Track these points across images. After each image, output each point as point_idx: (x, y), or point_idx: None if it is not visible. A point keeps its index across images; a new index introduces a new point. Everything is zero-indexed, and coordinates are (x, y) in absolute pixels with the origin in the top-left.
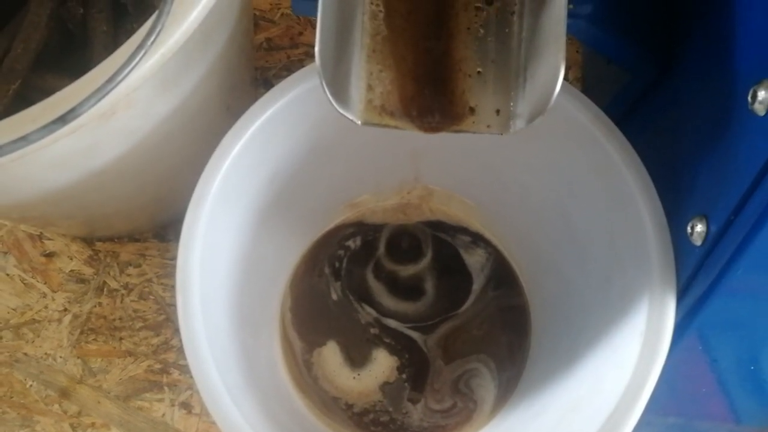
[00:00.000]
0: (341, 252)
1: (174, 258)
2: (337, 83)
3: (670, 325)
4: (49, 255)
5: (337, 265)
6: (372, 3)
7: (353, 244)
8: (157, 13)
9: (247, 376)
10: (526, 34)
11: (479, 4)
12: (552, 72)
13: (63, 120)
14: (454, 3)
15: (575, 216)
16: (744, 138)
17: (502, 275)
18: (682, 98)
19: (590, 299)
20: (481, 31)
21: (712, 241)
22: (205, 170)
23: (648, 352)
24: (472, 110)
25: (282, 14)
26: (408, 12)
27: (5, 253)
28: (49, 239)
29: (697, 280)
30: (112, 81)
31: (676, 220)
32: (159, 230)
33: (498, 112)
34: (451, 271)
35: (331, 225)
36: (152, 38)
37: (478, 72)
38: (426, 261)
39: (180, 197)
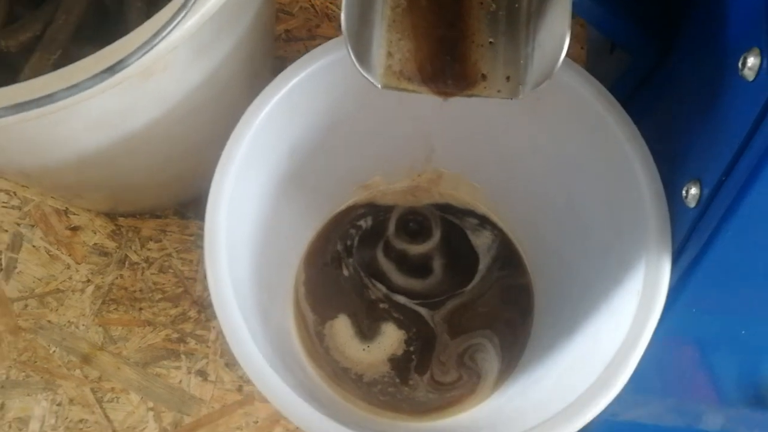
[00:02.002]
0: (353, 231)
1: (193, 234)
2: (360, 50)
3: (665, 281)
4: (74, 229)
5: (348, 242)
6: None
7: (365, 223)
8: None
9: (266, 333)
10: (535, 8)
11: None
12: (558, 41)
13: (112, 70)
14: None
15: (578, 191)
16: (734, 103)
17: (508, 256)
18: (680, 75)
19: (590, 270)
20: (493, 5)
21: (705, 203)
22: (235, 130)
23: (644, 308)
24: (483, 77)
25: (300, 7)
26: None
27: (32, 226)
28: (75, 214)
29: (691, 240)
30: (156, 36)
31: (671, 185)
32: (179, 208)
33: (508, 78)
34: (459, 252)
35: (344, 205)
36: (187, 4)
37: (490, 42)
38: (434, 241)
39: (201, 175)
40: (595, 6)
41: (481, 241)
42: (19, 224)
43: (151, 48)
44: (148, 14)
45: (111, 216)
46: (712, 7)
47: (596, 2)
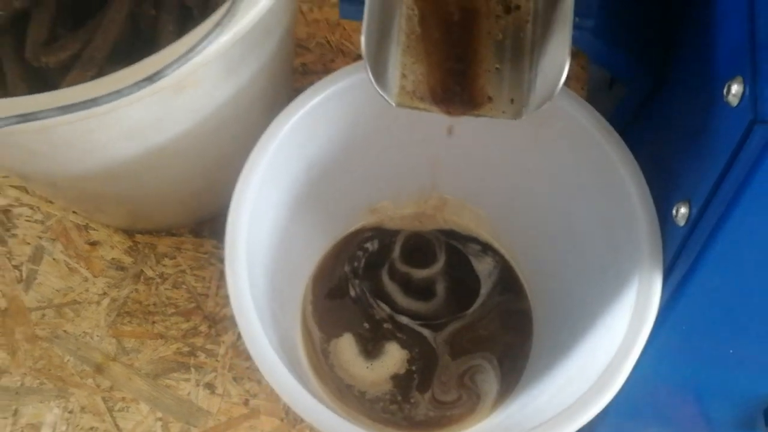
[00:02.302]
0: (360, 253)
1: (207, 252)
2: (378, 71)
3: (657, 294)
4: (93, 243)
5: (356, 264)
6: (408, 7)
7: (371, 246)
8: (228, 6)
9: (279, 342)
10: (538, 38)
11: (499, 14)
12: (558, 68)
13: (151, 79)
14: (477, 12)
15: (575, 214)
16: (719, 127)
17: (508, 282)
18: (672, 103)
19: (587, 290)
20: (500, 35)
21: (694, 221)
22: (258, 144)
23: (636, 320)
24: (490, 99)
25: (317, 43)
26: (438, 17)
27: (54, 240)
28: (94, 229)
29: (681, 257)
30: (192, 51)
31: (663, 205)
32: (195, 227)
33: (512, 101)
34: (462, 276)
35: (353, 228)
36: (227, 18)
37: (496, 68)
38: (439, 266)
39: (217, 194)
40: (594, 39)
41: (483, 267)
42: (41, 238)
43: (187, 61)
44: (178, 37)
45: (129, 233)
46: (700, 39)
47: (595, 35)
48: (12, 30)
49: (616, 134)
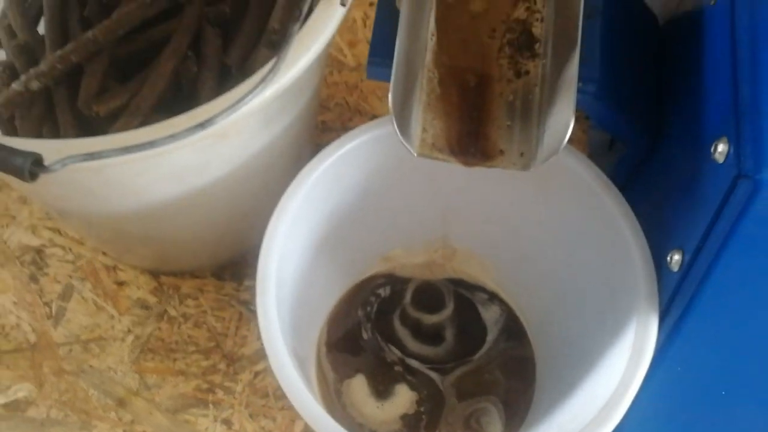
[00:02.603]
0: (373, 298)
1: (228, 294)
2: (402, 124)
3: (653, 334)
4: (120, 283)
5: (368, 309)
6: (429, 70)
7: (384, 292)
8: (276, 57)
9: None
10: (545, 99)
11: (510, 78)
12: (564, 125)
13: (203, 125)
14: (491, 76)
15: (577, 263)
16: (708, 182)
17: (513, 329)
18: (666, 161)
19: (588, 334)
20: (511, 96)
21: (687, 267)
22: (288, 189)
23: (634, 360)
24: (501, 152)
25: (336, 103)
26: (455, 80)
27: (83, 279)
28: (122, 270)
29: (675, 301)
30: (240, 102)
31: (658, 252)
32: (216, 270)
33: (522, 154)
34: (469, 323)
35: (367, 274)
36: (271, 75)
37: (507, 125)
38: (447, 312)
39: (240, 240)
40: (596, 102)
41: (490, 315)
42: (71, 277)
43: (235, 111)
44: (218, 93)
45: (154, 274)
46: (690, 103)
47: (597, 99)
48: (66, 82)
49: (615, 188)
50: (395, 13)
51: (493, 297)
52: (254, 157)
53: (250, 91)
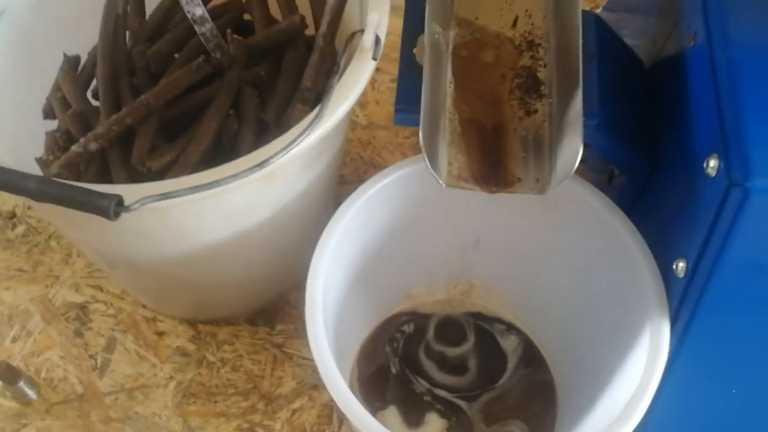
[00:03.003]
0: (398, 335)
1: (262, 339)
2: (431, 159)
3: (666, 337)
4: (160, 333)
5: (395, 345)
6: (450, 113)
7: (408, 329)
8: (319, 107)
9: None
10: (555, 133)
11: (521, 116)
12: (573, 154)
13: (260, 165)
14: (504, 115)
15: (590, 284)
16: (703, 195)
17: (532, 356)
18: (665, 181)
19: (604, 350)
20: (524, 132)
21: (691, 273)
22: (328, 226)
23: (651, 363)
24: (519, 179)
25: (351, 158)
26: (473, 120)
27: (125, 331)
28: (161, 321)
29: (684, 305)
30: (292, 144)
31: (664, 262)
32: (250, 316)
33: (537, 180)
34: (490, 352)
35: (391, 313)
36: (316, 120)
37: (523, 156)
38: (469, 344)
39: (272, 286)
40: (598, 134)
41: (509, 344)
42: (113, 330)
43: (287, 152)
44: (255, 146)
45: (192, 323)
46: (681, 129)
47: (599, 131)
48: (120, 142)
49: (620, 211)
50: (415, 69)
51: (511, 327)
52: (294, 200)
53: (299, 135)
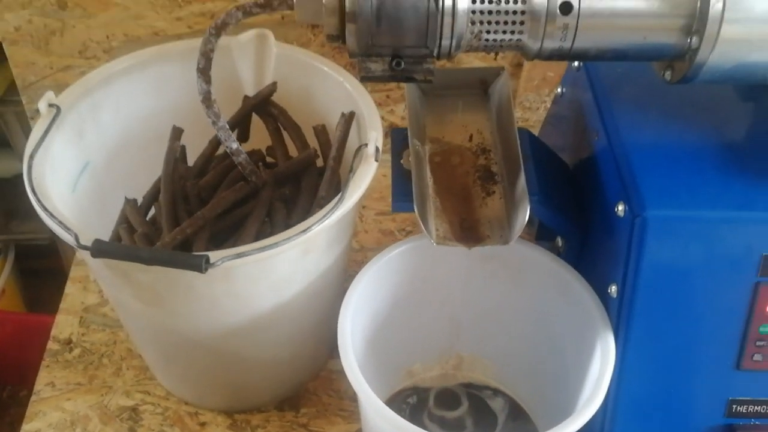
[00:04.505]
0: (404, 406)
1: (289, 421)
2: (426, 228)
3: (612, 345)
4: (203, 424)
5: (403, 414)
6: (433, 198)
7: (412, 401)
8: (340, 194)
9: None
10: (509, 206)
11: (483, 196)
12: (524, 214)
13: (302, 233)
14: (471, 197)
15: (554, 332)
16: (618, 231)
17: (517, 413)
18: (595, 235)
19: (570, 379)
20: (486, 206)
21: (620, 293)
22: (348, 291)
23: (603, 366)
24: (488, 236)
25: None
26: (450, 201)
27: (172, 425)
28: (202, 414)
29: (620, 318)
30: (326, 216)
31: (602, 288)
32: (278, 404)
33: (501, 236)
34: (482, 414)
35: (396, 389)
36: (340, 200)
37: (488, 221)
38: (464, 408)
39: (296, 371)
40: (539, 206)
41: (497, 405)
42: (162, 425)
43: (322, 222)
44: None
45: (228, 413)
46: (599, 191)
47: (540, 204)
48: (181, 249)
49: (567, 264)
50: (403, 173)
51: (497, 392)
52: (320, 275)
53: (329, 211)
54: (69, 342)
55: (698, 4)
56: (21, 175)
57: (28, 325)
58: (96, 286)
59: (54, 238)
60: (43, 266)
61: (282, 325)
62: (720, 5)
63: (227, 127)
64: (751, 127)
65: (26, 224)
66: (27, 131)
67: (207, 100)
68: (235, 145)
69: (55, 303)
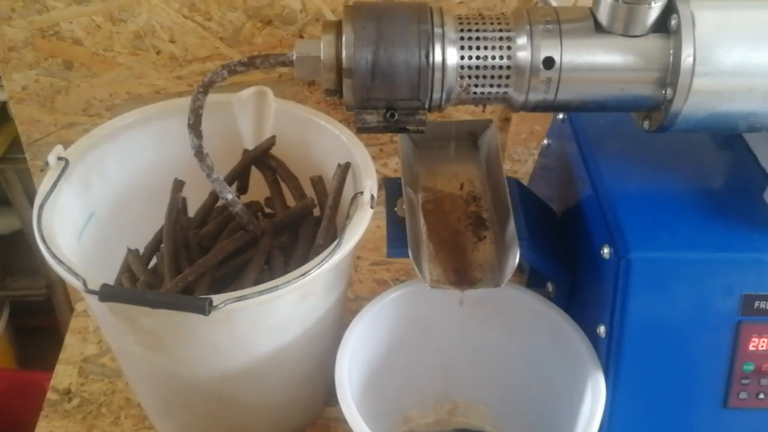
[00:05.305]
0: None
1: None
2: (420, 271)
3: (602, 384)
4: None
5: None
6: (426, 243)
7: None
8: (339, 239)
9: None
10: (499, 250)
11: (475, 241)
12: (513, 258)
13: (301, 276)
14: (463, 242)
15: (545, 373)
16: (605, 273)
17: None
18: (583, 278)
19: (566, 424)
20: (478, 250)
21: (608, 334)
22: (345, 336)
23: (594, 403)
24: (480, 280)
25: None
26: (442, 247)
27: None
28: None
29: (609, 357)
30: (323, 261)
31: (591, 329)
32: None
33: (492, 278)
34: None
35: None
36: (337, 246)
37: (480, 265)
38: None
39: (293, 418)
40: (528, 251)
41: None
42: None
43: (320, 267)
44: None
45: None
46: (586, 236)
47: (529, 249)
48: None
49: (556, 306)
50: (398, 220)
51: None
52: (317, 321)
53: (327, 256)
54: (68, 392)
55: (671, 59)
56: (19, 232)
57: (22, 381)
58: (95, 337)
59: (49, 295)
60: (37, 324)
61: (280, 370)
62: (691, 60)
63: (221, 179)
64: (727, 173)
65: (22, 280)
66: (27, 188)
67: (199, 153)
68: (230, 196)
69: (48, 360)
